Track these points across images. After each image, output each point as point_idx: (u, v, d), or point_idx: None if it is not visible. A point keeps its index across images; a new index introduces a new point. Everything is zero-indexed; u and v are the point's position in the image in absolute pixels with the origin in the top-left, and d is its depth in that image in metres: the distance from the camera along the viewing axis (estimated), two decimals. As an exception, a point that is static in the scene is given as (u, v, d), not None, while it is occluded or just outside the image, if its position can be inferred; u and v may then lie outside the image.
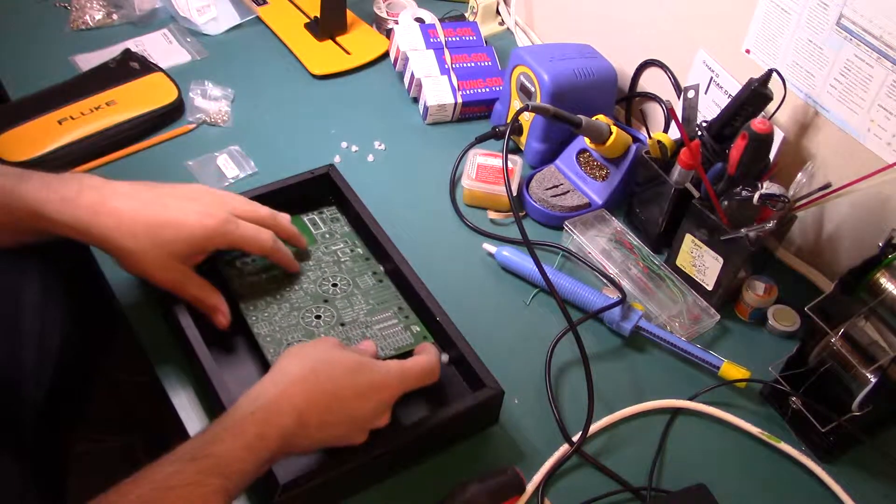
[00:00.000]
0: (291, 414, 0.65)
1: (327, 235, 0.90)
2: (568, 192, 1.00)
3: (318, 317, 0.82)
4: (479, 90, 1.10)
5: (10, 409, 0.85)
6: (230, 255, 0.85)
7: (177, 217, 0.74)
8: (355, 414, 0.69)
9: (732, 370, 0.83)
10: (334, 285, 0.85)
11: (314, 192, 0.93)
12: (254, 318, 0.81)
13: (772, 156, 0.85)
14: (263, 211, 0.81)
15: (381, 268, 0.87)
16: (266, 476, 0.67)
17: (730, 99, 0.88)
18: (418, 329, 0.82)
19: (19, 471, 0.81)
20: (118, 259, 0.75)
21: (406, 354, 0.80)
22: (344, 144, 1.05)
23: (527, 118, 1.03)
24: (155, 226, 0.73)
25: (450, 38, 1.16)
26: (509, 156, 0.94)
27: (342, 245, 0.89)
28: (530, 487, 0.74)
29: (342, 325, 0.81)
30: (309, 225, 0.91)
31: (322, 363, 0.69)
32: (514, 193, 0.96)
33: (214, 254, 0.81)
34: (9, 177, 0.73)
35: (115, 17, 1.17)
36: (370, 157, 1.04)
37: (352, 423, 0.69)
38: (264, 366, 0.79)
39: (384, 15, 1.20)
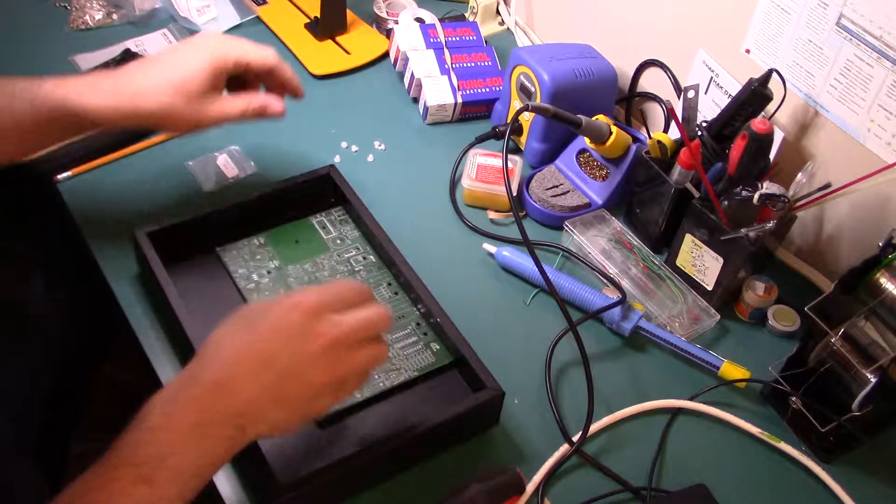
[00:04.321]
0: (186, 372, 0.63)
1: (338, 241, 0.90)
2: (568, 192, 1.00)
3: None
4: (479, 90, 1.10)
5: (21, 408, 0.85)
6: (247, 269, 0.86)
7: (185, 64, 0.79)
8: (280, 324, 0.63)
9: (732, 370, 0.83)
10: None
11: (315, 192, 0.93)
12: None
13: (772, 156, 0.85)
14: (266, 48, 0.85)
15: (394, 277, 0.87)
16: (267, 476, 0.67)
17: (730, 99, 0.88)
18: (438, 347, 0.82)
19: (37, 471, 0.82)
20: (164, 124, 0.81)
21: (429, 374, 0.80)
22: (344, 144, 1.05)
23: (527, 118, 1.03)
24: (175, 82, 0.78)
25: (450, 38, 1.16)
26: (509, 156, 0.94)
27: (354, 252, 0.89)
28: (530, 487, 0.74)
29: None
30: (318, 229, 0.91)
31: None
32: (514, 193, 0.96)
33: (230, 270, 0.84)
34: (22, 83, 0.76)
35: (115, 17, 1.17)
36: (370, 157, 1.04)
37: (284, 335, 0.63)
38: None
39: (384, 15, 1.21)
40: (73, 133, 0.81)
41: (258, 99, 0.83)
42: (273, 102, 0.84)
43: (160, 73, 0.79)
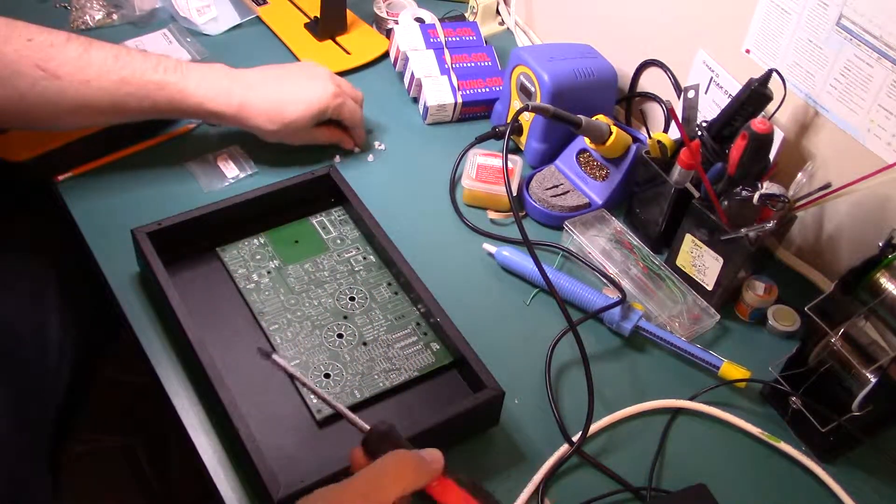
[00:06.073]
0: None
1: (339, 241, 0.90)
2: (568, 192, 1.00)
3: (339, 336, 0.82)
4: (479, 90, 1.10)
5: (31, 412, 0.86)
6: (247, 269, 0.86)
7: (301, 103, 0.94)
8: None
9: (732, 370, 0.83)
10: (352, 299, 0.85)
11: (315, 192, 0.93)
12: (278, 339, 0.81)
13: (772, 156, 0.85)
14: (358, 92, 1.02)
15: (394, 277, 0.87)
16: (267, 476, 0.67)
17: (730, 99, 0.88)
18: (438, 347, 0.82)
19: (41, 472, 0.82)
20: (263, 135, 0.96)
21: (429, 374, 0.80)
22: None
23: (527, 118, 1.03)
24: (285, 111, 0.94)
25: (450, 38, 1.16)
26: (509, 156, 0.94)
27: (354, 252, 0.89)
28: (530, 487, 0.74)
29: (364, 344, 0.82)
30: (318, 229, 0.91)
31: None
32: (514, 193, 0.96)
33: (230, 270, 0.85)
34: (169, 72, 0.90)
35: (115, 17, 1.17)
36: (370, 157, 1.04)
37: None
38: (271, 370, 0.79)
39: (384, 15, 1.20)
40: (175, 117, 0.97)
41: (341, 136, 1.01)
42: (349, 139, 1.02)
43: (277, 102, 0.94)
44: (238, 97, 0.92)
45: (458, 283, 0.91)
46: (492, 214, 0.99)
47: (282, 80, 0.96)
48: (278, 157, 1.01)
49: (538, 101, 0.99)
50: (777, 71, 0.83)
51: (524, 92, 1.02)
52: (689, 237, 0.89)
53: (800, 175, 0.85)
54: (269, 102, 0.93)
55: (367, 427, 0.63)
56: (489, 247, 0.94)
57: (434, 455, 0.60)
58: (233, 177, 0.98)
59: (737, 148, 0.81)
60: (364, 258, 0.89)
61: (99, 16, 1.17)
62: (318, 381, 0.78)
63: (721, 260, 0.87)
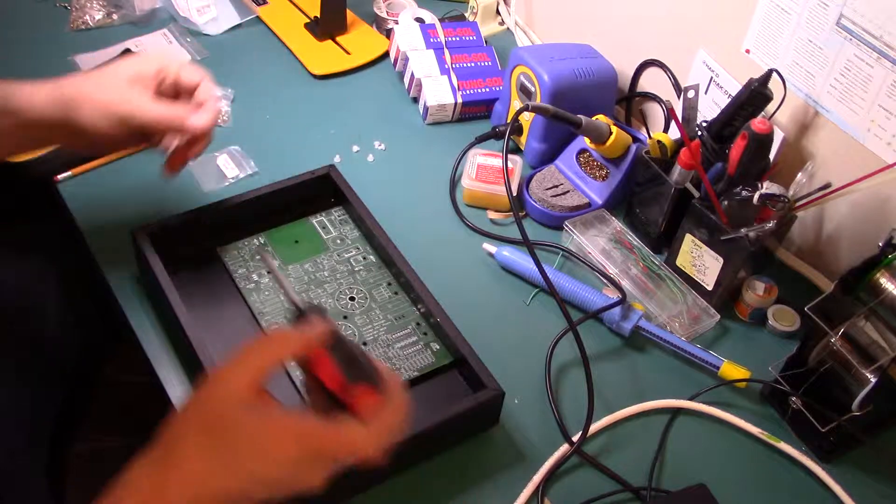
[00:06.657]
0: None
1: (339, 241, 0.90)
2: (568, 192, 1.00)
3: None
4: (479, 90, 1.10)
5: (31, 414, 0.86)
6: (247, 269, 0.86)
7: (131, 62, 0.79)
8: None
9: (732, 370, 0.83)
10: (351, 299, 0.85)
11: (315, 192, 0.93)
12: None
13: (772, 156, 0.85)
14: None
15: (394, 277, 0.87)
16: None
17: (730, 99, 0.88)
18: (438, 347, 0.82)
19: (38, 472, 0.82)
20: (103, 112, 0.76)
21: (429, 374, 0.80)
22: (344, 144, 1.05)
23: (527, 118, 1.03)
24: (118, 71, 0.77)
25: (450, 38, 1.16)
26: (509, 156, 0.94)
27: (354, 252, 0.90)
28: (530, 487, 0.74)
29: (364, 344, 0.82)
30: (318, 229, 0.91)
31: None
32: (514, 193, 0.96)
33: (230, 270, 0.84)
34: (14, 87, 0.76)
35: (115, 17, 1.17)
36: (370, 157, 1.04)
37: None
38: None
39: (384, 15, 1.21)
40: (34, 140, 0.82)
41: (178, 111, 0.79)
42: (193, 117, 0.78)
43: (107, 73, 0.78)
44: (68, 85, 0.77)
45: (458, 283, 0.91)
46: (492, 214, 0.99)
47: (109, 65, 0.79)
48: (278, 157, 1.01)
49: (538, 101, 0.99)
50: (777, 71, 0.83)
51: (524, 92, 1.02)
52: (689, 237, 0.89)
53: (800, 175, 0.85)
54: (99, 76, 0.78)
55: (302, 307, 0.60)
56: (489, 247, 0.94)
57: (316, 326, 0.59)
58: (233, 177, 0.98)
59: (737, 148, 0.81)
60: (364, 258, 0.89)
61: (99, 16, 1.17)
62: None
63: (721, 260, 0.87)
